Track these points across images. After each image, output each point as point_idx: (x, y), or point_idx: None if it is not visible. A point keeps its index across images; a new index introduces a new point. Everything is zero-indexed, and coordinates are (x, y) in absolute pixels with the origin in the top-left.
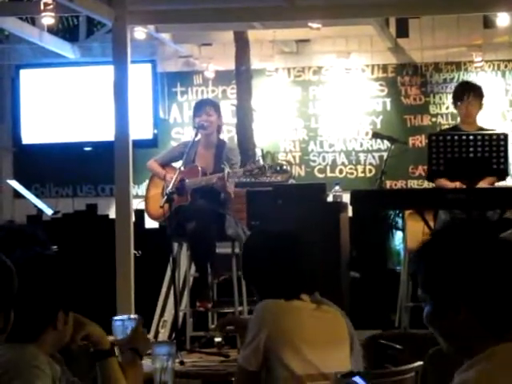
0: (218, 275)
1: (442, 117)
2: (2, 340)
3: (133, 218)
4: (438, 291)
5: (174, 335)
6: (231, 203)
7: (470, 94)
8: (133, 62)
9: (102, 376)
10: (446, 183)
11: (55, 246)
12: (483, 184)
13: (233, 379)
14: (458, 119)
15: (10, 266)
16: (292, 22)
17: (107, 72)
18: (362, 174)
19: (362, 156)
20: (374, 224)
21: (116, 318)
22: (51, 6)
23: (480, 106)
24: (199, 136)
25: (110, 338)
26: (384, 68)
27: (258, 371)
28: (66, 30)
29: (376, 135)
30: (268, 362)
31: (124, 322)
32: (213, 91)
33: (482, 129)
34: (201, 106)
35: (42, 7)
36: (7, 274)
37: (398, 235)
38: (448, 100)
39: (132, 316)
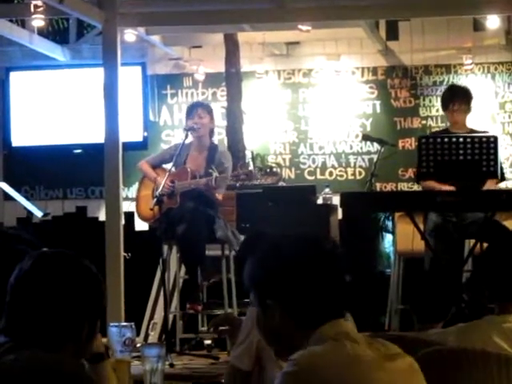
0: (207, 277)
1: (432, 119)
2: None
3: (122, 221)
4: (257, 292)
5: (163, 337)
6: (220, 206)
7: (456, 103)
8: (123, 64)
9: (96, 379)
10: (433, 185)
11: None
12: (486, 187)
13: (222, 381)
14: (448, 123)
15: (97, 274)
16: (282, 25)
17: (97, 74)
18: (352, 177)
19: (351, 158)
20: (363, 226)
21: (112, 323)
22: (41, 9)
23: (468, 111)
24: (190, 138)
25: (104, 340)
26: (374, 70)
27: (249, 371)
28: (56, 33)
29: (366, 138)
30: (261, 361)
31: (120, 328)
32: (203, 93)
33: (472, 131)
34: (193, 109)
35: (32, 9)
36: (93, 282)
37: (388, 238)
38: (438, 103)
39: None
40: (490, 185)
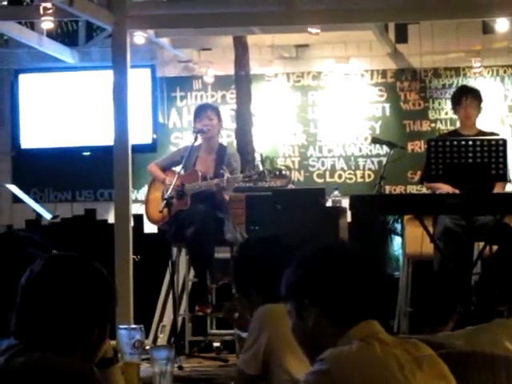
0: (216, 280)
1: (441, 122)
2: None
3: (132, 223)
4: (295, 292)
5: (172, 340)
6: (229, 207)
7: (468, 97)
8: (132, 66)
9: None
10: (439, 186)
11: (54, 251)
12: (496, 190)
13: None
14: (458, 124)
15: (108, 277)
16: (291, 27)
17: (106, 77)
18: (361, 179)
19: (361, 161)
20: (372, 229)
21: (121, 326)
22: (51, 11)
23: (479, 110)
24: (199, 140)
25: (112, 342)
26: (383, 73)
27: (256, 375)
28: (66, 35)
29: (375, 140)
30: (268, 365)
31: (130, 330)
32: (212, 96)
33: (481, 132)
34: (202, 110)
35: (41, 12)
36: (105, 284)
37: (397, 240)
38: (447, 105)
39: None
40: (498, 188)
